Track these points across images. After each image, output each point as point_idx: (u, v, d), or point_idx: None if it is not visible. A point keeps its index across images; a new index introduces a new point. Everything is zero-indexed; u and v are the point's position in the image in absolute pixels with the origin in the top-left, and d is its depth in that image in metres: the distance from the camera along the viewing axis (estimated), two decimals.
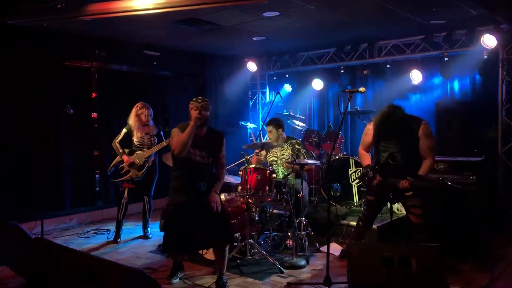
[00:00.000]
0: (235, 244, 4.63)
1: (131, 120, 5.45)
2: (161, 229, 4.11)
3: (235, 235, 4.62)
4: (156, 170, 5.65)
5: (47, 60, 6.10)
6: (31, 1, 4.65)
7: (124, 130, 5.47)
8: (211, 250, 4.52)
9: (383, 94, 7.31)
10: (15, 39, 5.67)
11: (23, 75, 5.84)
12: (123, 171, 5.45)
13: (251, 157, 5.12)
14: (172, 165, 4.06)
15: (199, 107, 3.79)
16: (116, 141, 5.46)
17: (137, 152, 5.45)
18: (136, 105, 5.49)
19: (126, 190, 5.50)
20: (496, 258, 4.59)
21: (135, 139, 5.45)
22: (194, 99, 3.89)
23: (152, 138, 5.51)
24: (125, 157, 5.41)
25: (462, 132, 6.18)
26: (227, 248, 4.01)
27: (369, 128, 4.27)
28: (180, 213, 3.84)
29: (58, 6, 4.47)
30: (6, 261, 4.27)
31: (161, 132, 5.61)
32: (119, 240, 5.49)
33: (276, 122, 5.42)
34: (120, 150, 5.43)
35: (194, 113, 3.80)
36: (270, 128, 5.40)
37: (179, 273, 4.19)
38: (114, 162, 5.52)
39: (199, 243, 4.00)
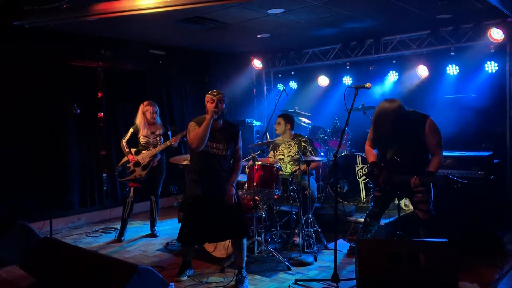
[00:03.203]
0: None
1: (138, 119, 5.49)
2: (180, 221, 4.15)
3: None
4: (163, 169, 5.66)
5: (54, 61, 6.13)
6: (36, 2, 4.67)
7: (131, 130, 5.51)
8: (219, 247, 4.54)
9: (390, 90, 7.27)
10: (21, 40, 5.71)
11: (30, 76, 5.88)
12: (129, 170, 5.48)
13: (257, 154, 5.12)
14: (184, 162, 4.10)
15: (215, 100, 3.82)
16: (123, 140, 5.50)
17: (143, 151, 5.47)
18: (142, 103, 5.53)
19: (132, 190, 5.53)
20: (505, 253, 4.57)
21: (141, 138, 5.47)
22: (210, 92, 3.92)
23: (158, 137, 5.52)
24: (130, 157, 5.44)
25: (470, 127, 6.13)
26: (244, 241, 4.02)
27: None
28: (198, 205, 3.90)
29: (63, 7, 4.49)
30: (16, 260, 4.30)
31: (169, 132, 5.62)
32: (122, 239, 5.51)
33: (287, 116, 5.46)
34: (127, 150, 5.46)
35: (210, 106, 3.83)
36: (280, 120, 5.41)
37: (188, 270, 4.21)
38: (121, 161, 5.56)
39: (215, 235, 4.02)
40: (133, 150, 5.48)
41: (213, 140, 3.89)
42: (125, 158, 5.51)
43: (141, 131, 5.46)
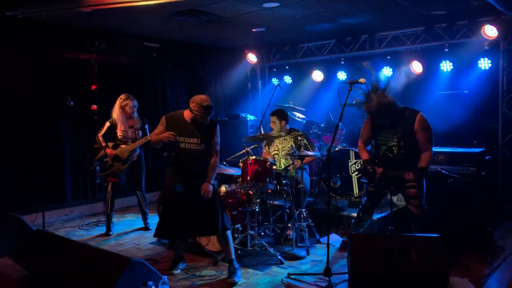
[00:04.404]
0: (236, 235, 4.66)
1: (115, 113, 5.35)
2: (160, 215, 4.16)
3: (236, 226, 4.63)
4: (142, 164, 5.59)
5: (47, 52, 6.08)
6: None
7: (108, 124, 5.36)
8: (213, 241, 4.55)
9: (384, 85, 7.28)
10: (14, 31, 5.65)
11: (23, 67, 5.83)
12: (107, 165, 5.37)
13: (251, 148, 5.12)
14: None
15: (204, 116, 3.86)
16: (99, 134, 5.35)
17: (121, 145, 5.35)
18: (120, 97, 5.37)
19: (110, 185, 5.42)
20: (496, 249, 4.62)
21: (119, 132, 5.33)
22: (205, 105, 3.83)
23: (136, 132, 5.41)
24: (108, 150, 5.29)
25: (462, 123, 6.16)
26: (228, 234, 4.04)
27: (367, 122, 4.27)
28: (174, 200, 3.93)
29: None
30: (8, 252, 4.29)
31: (146, 126, 5.50)
32: (111, 233, 5.47)
33: (280, 113, 5.41)
34: (103, 144, 5.32)
35: (197, 113, 3.85)
36: (273, 118, 5.40)
37: (181, 264, 4.23)
38: (97, 156, 5.42)
39: (192, 230, 4.05)
40: (110, 144, 5.34)
41: (187, 135, 3.90)
42: (102, 153, 5.37)
43: (119, 125, 5.33)
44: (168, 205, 4.00)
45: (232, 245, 4.08)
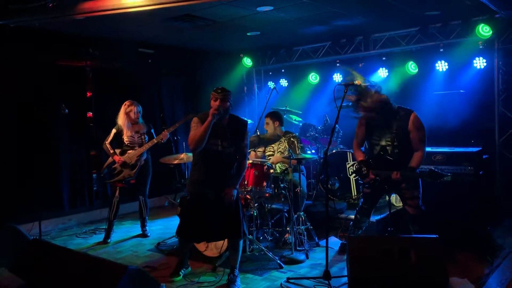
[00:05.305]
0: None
1: (120, 119, 5.38)
2: (178, 215, 4.20)
3: None
4: (149, 168, 5.59)
5: (41, 60, 6.05)
6: (22, 1, 4.60)
7: (114, 131, 5.39)
8: (210, 246, 4.53)
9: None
10: (7, 40, 5.62)
11: (16, 76, 5.79)
12: (116, 171, 5.39)
13: (248, 153, 5.10)
14: (176, 161, 4.10)
15: (218, 98, 3.73)
16: (106, 142, 5.39)
17: (129, 151, 5.38)
18: (124, 103, 5.42)
19: (118, 190, 5.43)
20: (495, 248, 4.60)
21: (125, 138, 5.37)
22: (215, 89, 3.81)
23: (142, 136, 5.44)
24: (116, 157, 5.33)
25: (459, 123, 6.17)
26: (240, 242, 3.99)
27: (362, 122, 4.26)
28: (197, 203, 3.86)
29: (50, 5, 4.44)
30: (4, 263, 4.24)
31: (152, 130, 5.53)
32: (109, 241, 5.44)
33: (274, 115, 5.43)
34: (111, 151, 5.35)
35: (213, 105, 3.73)
36: (267, 120, 5.40)
37: (183, 270, 4.18)
38: (106, 163, 5.46)
39: (212, 234, 3.97)
40: (117, 150, 5.37)
41: (217, 137, 3.76)
42: (110, 160, 5.40)
43: (125, 131, 5.36)
44: (189, 208, 3.92)
45: (240, 253, 4.03)
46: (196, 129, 3.72)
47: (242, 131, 3.91)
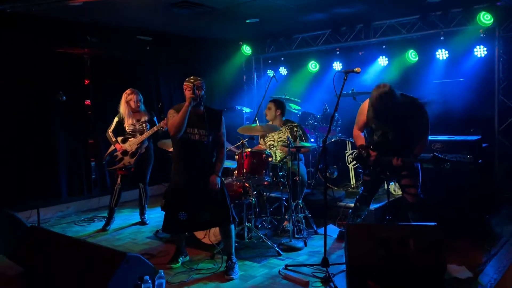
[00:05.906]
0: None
1: (122, 107, 5.41)
2: (162, 208, 4.15)
3: None
4: (151, 156, 5.61)
5: (38, 47, 5.99)
6: None
7: (116, 119, 5.44)
8: (209, 234, 4.53)
9: (379, 75, 7.25)
10: (4, 26, 5.56)
11: (13, 63, 5.75)
12: (117, 159, 5.41)
13: (246, 141, 5.09)
14: (172, 149, 4.08)
15: (192, 87, 3.79)
16: (109, 130, 5.43)
17: (130, 139, 5.42)
18: (125, 92, 5.44)
19: (120, 177, 5.48)
20: (493, 236, 4.61)
21: (126, 127, 5.41)
22: (187, 79, 3.91)
23: (144, 124, 5.46)
24: (117, 145, 5.38)
25: (459, 111, 6.15)
26: (232, 228, 4.01)
27: (364, 108, 4.22)
28: (181, 194, 3.89)
29: None
30: (2, 250, 4.25)
31: (154, 118, 5.55)
32: (107, 228, 5.46)
33: (279, 102, 5.44)
34: (113, 139, 5.40)
35: (188, 94, 3.83)
36: (270, 105, 5.39)
37: (181, 257, 4.20)
38: (108, 151, 5.50)
39: (200, 224, 4.00)
40: (119, 138, 5.42)
41: (194, 125, 3.87)
42: (112, 147, 5.44)
43: (126, 120, 5.39)
44: (173, 200, 3.94)
45: (233, 239, 4.06)
46: (173, 117, 3.84)
47: (218, 120, 3.99)
